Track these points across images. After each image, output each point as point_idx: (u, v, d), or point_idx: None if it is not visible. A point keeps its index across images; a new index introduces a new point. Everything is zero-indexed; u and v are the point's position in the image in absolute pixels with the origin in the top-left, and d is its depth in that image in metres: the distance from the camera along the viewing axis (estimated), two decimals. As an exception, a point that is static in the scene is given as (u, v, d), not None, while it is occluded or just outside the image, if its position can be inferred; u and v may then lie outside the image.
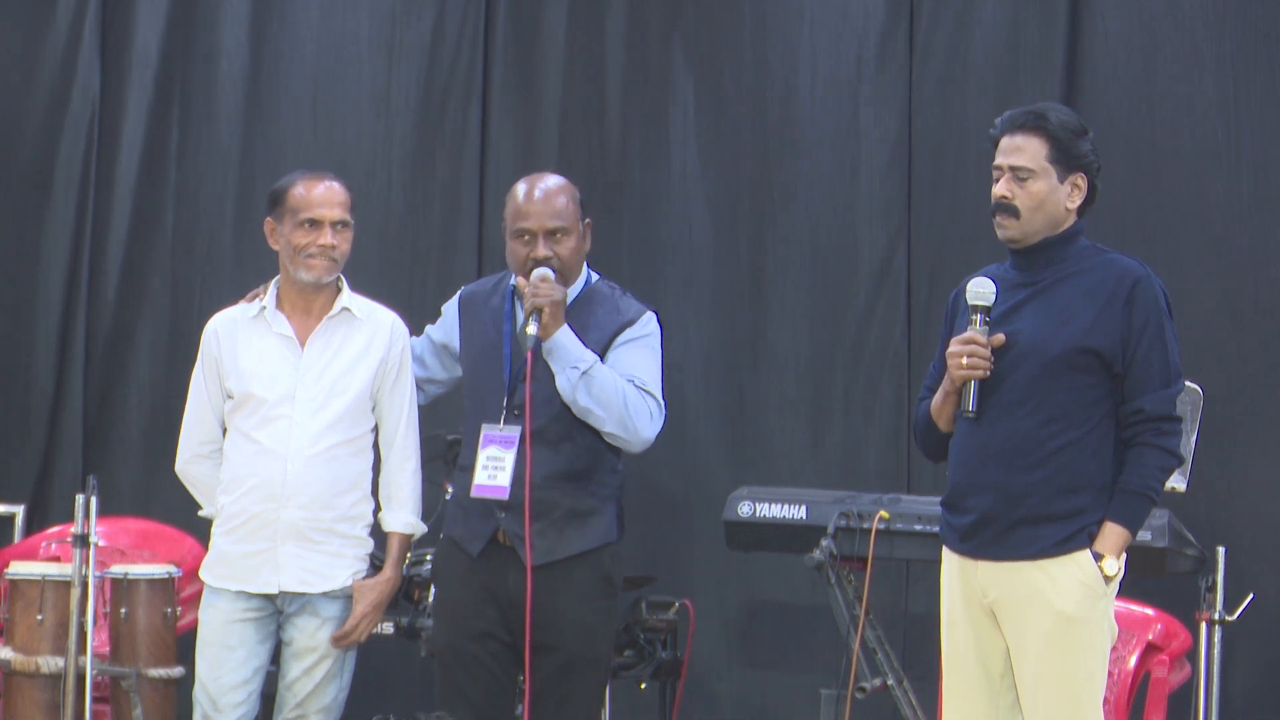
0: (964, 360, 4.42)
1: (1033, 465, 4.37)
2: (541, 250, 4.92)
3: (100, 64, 7.24)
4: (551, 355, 4.87)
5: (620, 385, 4.89)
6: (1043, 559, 4.36)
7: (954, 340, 4.47)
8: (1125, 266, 4.44)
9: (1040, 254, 4.47)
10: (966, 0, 6.67)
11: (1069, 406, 4.37)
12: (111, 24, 7.26)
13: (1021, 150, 4.45)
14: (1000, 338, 4.42)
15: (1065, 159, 4.45)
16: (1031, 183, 4.44)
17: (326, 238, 5.01)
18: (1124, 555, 4.38)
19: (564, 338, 4.86)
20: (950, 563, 4.52)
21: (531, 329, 4.82)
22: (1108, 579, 4.34)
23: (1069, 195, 4.47)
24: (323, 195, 5.04)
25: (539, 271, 4.89)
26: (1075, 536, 4.35)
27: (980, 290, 4.46)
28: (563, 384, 4.86)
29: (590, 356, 4.88)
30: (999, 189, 4.47)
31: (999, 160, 4.49)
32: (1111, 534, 4.35)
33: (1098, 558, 4.33)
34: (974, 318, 4.44)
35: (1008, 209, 4.45)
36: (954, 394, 4.48)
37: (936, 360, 4.62)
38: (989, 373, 4.41)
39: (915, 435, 4.71)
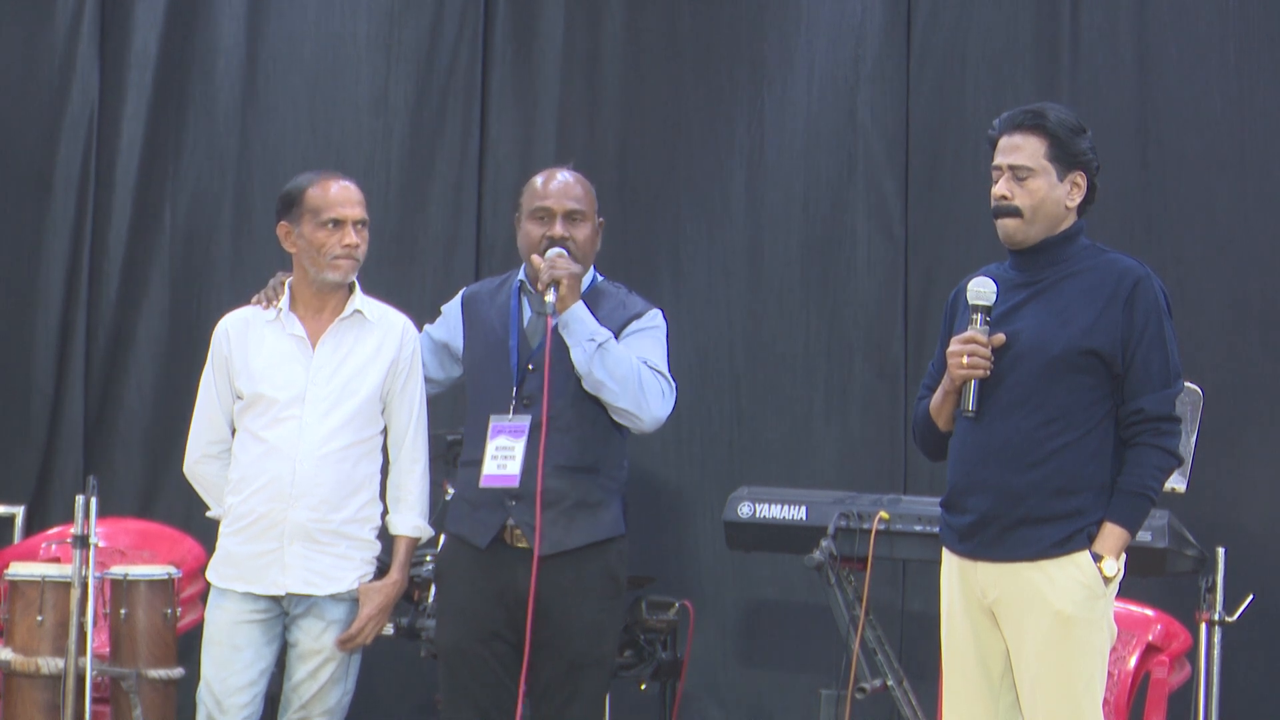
0: (964, 360, 4.41)
1: (1032, 465, 4.36)
2: (559, 230, 4.97)
3: (99, 64, 7.25)
4: (567, 329, 4.88)
5: (634, 361, 4.91)
6: (1042, 560, 4.35)
7: (954, 339, 4.47)
8: (1125, 266, 4.43)
9: (1040, 254, 4.47)
10: (965, -1, 6.69)
11: (1068, 407, 4.37)
12: (110, 23, 7.26)
13: (1020, 149, 4.45)
14: (1000, 337, 4.42)
15: (1064, 157, 4.45)
16: (1031, 181, 4.44)
17: (350, 237, 5.02)
18: (1123, 556, 4.38)
19: (580, 311, 4.90)
20: (950, 563, 4.52)
21: (550, 298, 4.85)
22: (1107, 580, 4.34)
23: (1069, 194, 4.47)
24: (343, 195, 5.05)
25: (555, 249, 4.93)
26: (1074, 537, 4.35)
27: (981, 290, 4.46)
28: (578, 357, 4.87)
29: (605, 331, 4.91)
30: (998, 188, 4.46)
31: (998, 160, 4.49)
32: (1111, 534, 4.34)
33: (1097, 558, 4.33)
34: (974, 317, 4.44)
35: (1009, 210, 4.45)
36: (953, 393, 4.48)
37: (936, 359, 4.62)
38: (989, 372, 4.41)
39: (914, 435, 4.71)
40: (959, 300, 4.57)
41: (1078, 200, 4.49)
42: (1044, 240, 4.46)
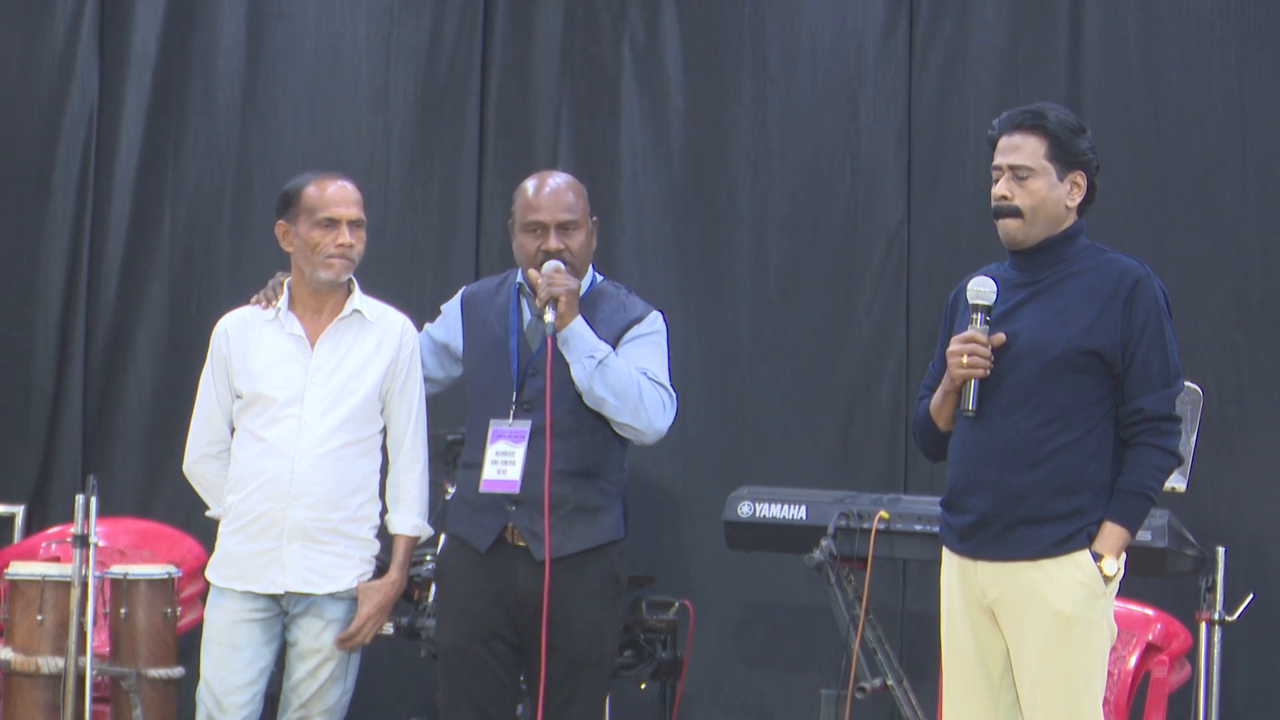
0: (964, 359, 4.41)
1: (1031, 465, 4.37)
2: (553, 243, 4.95)
3: (99, 63, 7.24)
4: (567, 345, 4.88)
5: (635, 375, 4.90)
6: (1042, 559, 4.35)
7: (954, 339, 4.47)
8: (1125, 266, 4.44)
9: (1041, 254, 4.47)
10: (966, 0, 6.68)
11: (1068, 406, 4.37)
12: (110, 23, 7.26)
13: (1020, 149, 4.45)
14: (1000, 337, 4.42)
15: (1064, 157, 4.45)
16: (1031, 181, 4.44)
17: (344, 237, 5.02)
18: (1123, 555, 4.38)
19: (580, 327, 4.89)
20: (950, 563, 4.52)
21: (549, 317, 4.84)
22: (1107, 579, 4.34)
23: (1069, 193, 4.47)
24: (338, 194, 5.05)
25: (551, 263, 4.92)
26: (1074, 537, 4.35)
27: (981, 289, 4.46)
28: (578, 373, 4.86)
29: (605, 346, 4.90)
30: (999, 189, 4.46)
31: (998, 160, 4.49)
32: (1111, 534, 4.34)
33: (1097, 558, 4.33)
34: (974, 317, 4.44)
35: (1009, 210, 4.45)
36: (954, 393, 4.49)
37: (936, 359, 4.62)
38: (989, 372, 4.41)
39: (914, 434, 4.71)
40: (959, 300, 4.57)
41: (1078, 200, 4.49)
42: (1044, 240, 4.46)
